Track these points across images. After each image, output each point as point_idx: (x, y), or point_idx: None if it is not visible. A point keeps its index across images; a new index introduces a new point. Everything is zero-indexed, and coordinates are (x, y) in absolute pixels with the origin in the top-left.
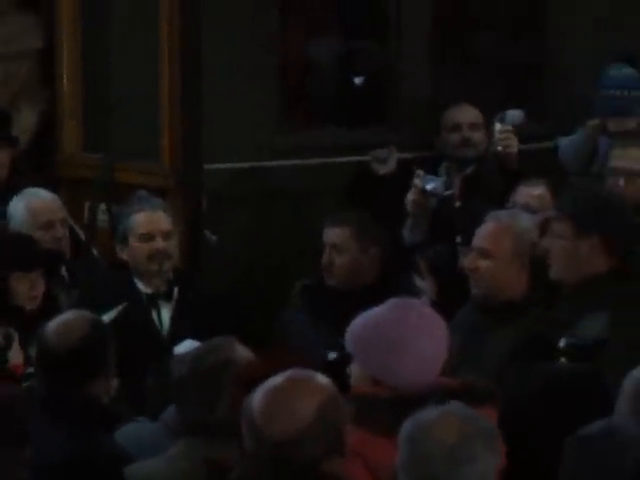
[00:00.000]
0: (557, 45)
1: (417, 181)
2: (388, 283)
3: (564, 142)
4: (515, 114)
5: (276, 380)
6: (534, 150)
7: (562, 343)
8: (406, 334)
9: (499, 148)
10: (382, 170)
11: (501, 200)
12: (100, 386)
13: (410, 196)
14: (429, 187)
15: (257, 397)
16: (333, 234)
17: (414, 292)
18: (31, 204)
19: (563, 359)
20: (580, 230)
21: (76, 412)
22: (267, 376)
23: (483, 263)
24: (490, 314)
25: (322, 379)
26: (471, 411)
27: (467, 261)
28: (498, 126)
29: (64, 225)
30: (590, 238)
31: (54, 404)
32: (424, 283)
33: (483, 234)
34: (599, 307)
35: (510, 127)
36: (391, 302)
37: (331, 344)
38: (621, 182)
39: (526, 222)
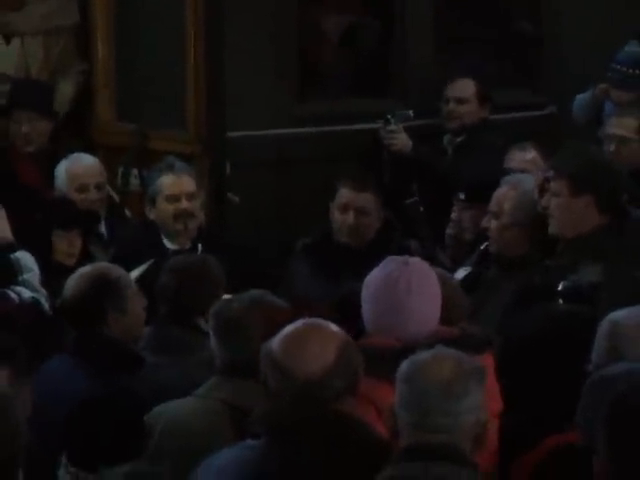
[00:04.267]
0: (553, 20)
1: (454, 215)
2: (386, 240)
3: (578, 100)
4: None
5: (296, 326)
6: (530, 118)
7: (560, 286)
8: (400, 293)
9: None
10: (395, 146)
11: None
12: (117, 329)
13: (449, 230)
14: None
15: (279, 342)
16: (360, 198)
17: (407, 249)
18: (70, 168)
19: (560, 301)
20: (575, 189)
21: (96, 353)
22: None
23: (494, 223)
24: (502, 268)
25: (335, 327)
26: (460, 352)
27: (483, 221)
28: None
29: (100, 189)
30: (585, 196)
31: (76, 345)
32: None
33: (494, 198)
34: (593, 259)
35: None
36: (386, 262)
37: (334, 295)
38: (612, 147)
39: (530, 184)
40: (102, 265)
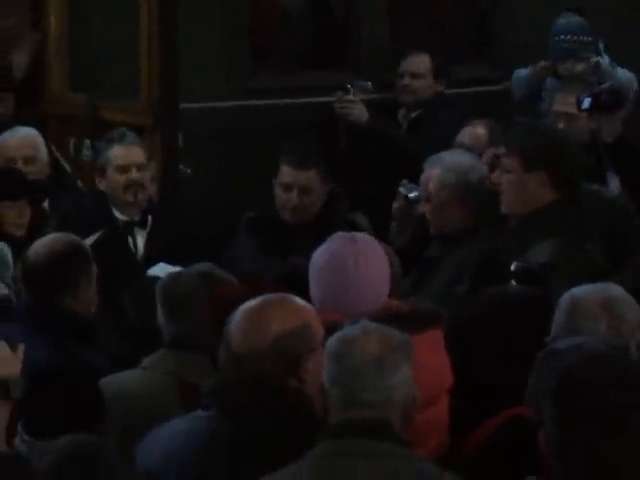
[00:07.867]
0: None
1: (401, 189)
2: (332, 214)
3: (517, 74)
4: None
5: (254, 301)
6: (484, 93)
7: (512, 267)
8: (348, 271)
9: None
10: (351, 116)
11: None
12: (76, 299)
13: (395, 204)
14: (412, 195)
15: (235, 316)
16: (303, 177)
17: (353, 223)
18: (1, 141)
19: (513, 282)
20: (527, 165)
21: (54, 323)
22: (242, 298)
23: (426, 206)
24: (441, 245)
25: (299, 303)
26: (386, 327)
27: (420, 207)
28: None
29: (30, 162)
30: (537, 172)
31: (34, 315)
32: None
33: (423, 180)
34: (546, 235)
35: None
36: (332, 240)
37: (278, 270)
38: (561, 125)
39: (466, 160)
40: (69, 234)
